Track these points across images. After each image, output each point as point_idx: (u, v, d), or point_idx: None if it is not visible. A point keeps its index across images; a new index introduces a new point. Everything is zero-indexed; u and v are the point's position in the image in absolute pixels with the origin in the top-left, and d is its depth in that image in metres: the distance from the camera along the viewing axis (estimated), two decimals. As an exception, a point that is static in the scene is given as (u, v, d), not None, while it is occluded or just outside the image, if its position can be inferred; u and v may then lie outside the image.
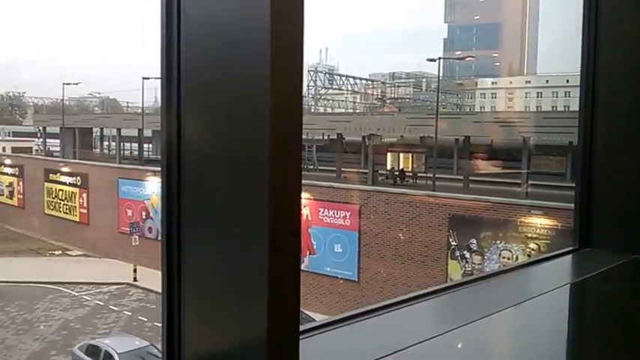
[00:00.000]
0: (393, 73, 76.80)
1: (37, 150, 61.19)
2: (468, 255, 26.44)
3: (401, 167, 35.83)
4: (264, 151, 0.98)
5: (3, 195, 51.96)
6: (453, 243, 26.83)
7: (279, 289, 0.96)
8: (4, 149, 60.29)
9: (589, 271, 3.34)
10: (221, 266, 1.03)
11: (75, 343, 26.37)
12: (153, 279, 34.62)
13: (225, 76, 1.04)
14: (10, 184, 51.38)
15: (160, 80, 1.10)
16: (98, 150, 59.37)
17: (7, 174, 51.87)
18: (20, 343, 26.26)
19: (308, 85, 47.63)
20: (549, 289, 2.96)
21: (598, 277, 3.17)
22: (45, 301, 31.70)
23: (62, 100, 59.40)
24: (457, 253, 26.76)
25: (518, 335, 2.51)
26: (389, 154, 36.33)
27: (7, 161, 52.58)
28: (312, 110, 49.48)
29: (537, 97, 68.80)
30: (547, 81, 68.61)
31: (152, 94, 67.48)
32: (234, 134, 1.03)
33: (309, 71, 49.53)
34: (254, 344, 0.97)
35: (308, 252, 29.73)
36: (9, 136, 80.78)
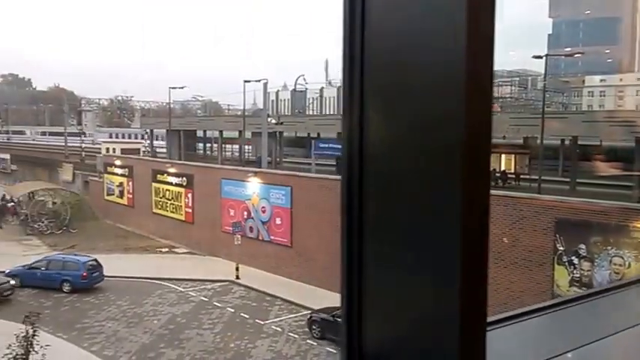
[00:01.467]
0: (495, 71, 75.00)
1: (144, 151, 63.97)
2: (576, 261, 25.31)
3: (503, 169, 34.95)
4: (456, 162, 0.93)
5: (114, 194, 54.35)
6: (560, 248, 25.78)
7: (471, 287, 0.94)
8: (114, 150, 63.07)
9: None
10: (406, 265, 1.01)
11: (181, 337, 27.38)
12: (254, 277, 35.47)
13: (413, 80, 1.01)
14: (121, 184, 53.67)
15: (342, 84, 1.09)
16: (201, 151, 61.38)
17: (117, 174, 54.16)
18: (131, 336, 27.49)
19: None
20: None
21: None
22: (153, 296, 33.06)
23: (169, 103, 61.95)
24: (564, 259, 25.69)
25: None
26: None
27: (118, 162, 54.89)
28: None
29: (650, 94, 65.25)
30: (661, 78, 64.88)
31: (251, 97, 69.18)
32: (425, 144, 0.99)
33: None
34: (444, 339, 0.96)
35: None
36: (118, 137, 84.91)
